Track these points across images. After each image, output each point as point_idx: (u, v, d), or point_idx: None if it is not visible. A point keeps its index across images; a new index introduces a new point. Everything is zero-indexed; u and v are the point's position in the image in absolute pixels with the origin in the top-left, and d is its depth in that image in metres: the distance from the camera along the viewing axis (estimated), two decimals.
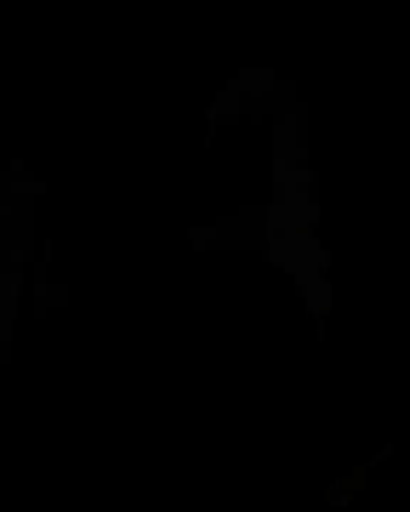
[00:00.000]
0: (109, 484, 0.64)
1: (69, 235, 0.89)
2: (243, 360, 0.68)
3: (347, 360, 0.94)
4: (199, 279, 0.77)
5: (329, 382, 0.77)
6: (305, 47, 0.89)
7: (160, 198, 0.86)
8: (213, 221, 0.81)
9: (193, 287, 0.76)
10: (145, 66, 0.90)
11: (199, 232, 0.80)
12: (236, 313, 0.72)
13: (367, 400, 0.99)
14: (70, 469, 0.66)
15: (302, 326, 0.75)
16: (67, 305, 0.85)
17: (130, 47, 0.91)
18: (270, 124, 0.87)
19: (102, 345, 0.74)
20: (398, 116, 0.89)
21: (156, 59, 0.91)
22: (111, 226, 0.86)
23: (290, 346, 0.71)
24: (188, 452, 0.63)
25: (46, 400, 0.73)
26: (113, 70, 0.91)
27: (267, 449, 0.65)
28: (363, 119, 0.90)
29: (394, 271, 0.92)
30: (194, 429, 0.64)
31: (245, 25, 0.91)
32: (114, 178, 0.86)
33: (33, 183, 0.83)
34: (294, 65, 0.89)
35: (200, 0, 0.89)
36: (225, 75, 0.89)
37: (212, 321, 0.71)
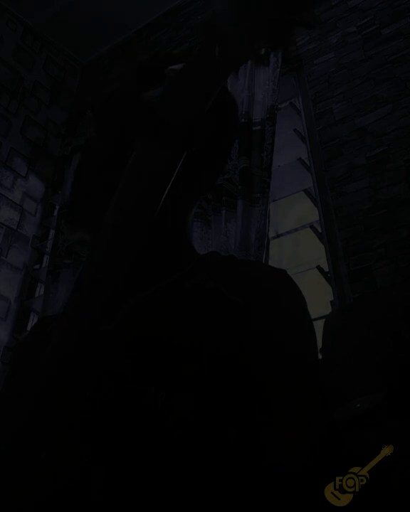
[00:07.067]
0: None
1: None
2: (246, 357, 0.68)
3: (347, 359, 0.95)
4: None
5: (330, 382, 0.77)
6: None
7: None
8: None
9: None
10: None
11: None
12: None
13: (367, 400, 0.99)
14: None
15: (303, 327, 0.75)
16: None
17: None
18: None
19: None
20: None
21: None
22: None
23: (292, 346, 0.71)
24: (187, 450, 0.63)
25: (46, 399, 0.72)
26: None
27: (267, 447, 0.64)
28: None
29: None
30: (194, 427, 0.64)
31: None
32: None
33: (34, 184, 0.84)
34: None
35: None
36: None
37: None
